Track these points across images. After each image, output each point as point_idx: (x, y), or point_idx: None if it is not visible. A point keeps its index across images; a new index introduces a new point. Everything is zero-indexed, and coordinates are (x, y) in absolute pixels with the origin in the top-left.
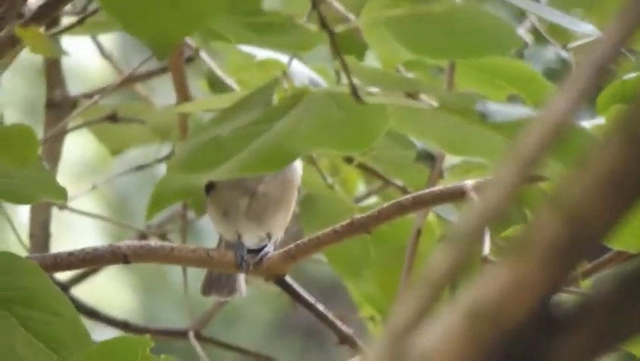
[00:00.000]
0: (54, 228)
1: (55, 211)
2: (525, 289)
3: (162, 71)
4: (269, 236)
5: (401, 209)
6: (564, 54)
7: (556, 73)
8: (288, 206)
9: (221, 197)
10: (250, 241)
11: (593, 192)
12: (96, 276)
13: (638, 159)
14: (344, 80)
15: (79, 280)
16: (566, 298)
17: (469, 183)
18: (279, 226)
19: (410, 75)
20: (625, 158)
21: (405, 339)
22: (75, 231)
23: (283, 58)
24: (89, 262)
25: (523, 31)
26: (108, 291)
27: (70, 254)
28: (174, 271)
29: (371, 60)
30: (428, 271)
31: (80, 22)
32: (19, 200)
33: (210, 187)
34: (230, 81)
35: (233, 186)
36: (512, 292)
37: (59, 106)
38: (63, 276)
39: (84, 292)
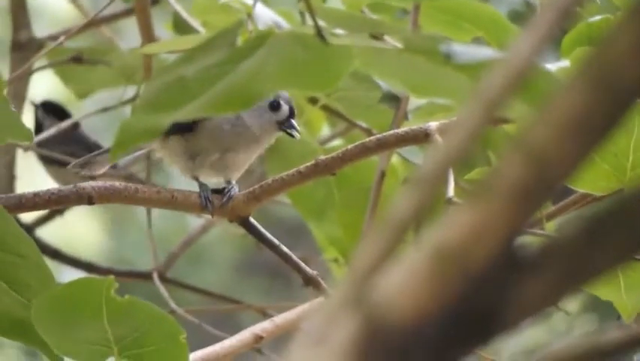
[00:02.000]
0: (19, 170)
1: (20, 153)
2: (489, 231)
3: (128, 13)
4: (228, 182)
5: (365, 151)
6: None
7: (521, 15)
8: (249, 162)
9: (195, 142)
10: (207, 182)
11: (557, 134)
12: (64, 217)
13: (601, 101)
14: (309, 22)
15: (44, 221)
16: (530, 240)
17: (433, 124)
18: (238, 174)
19: (375, 17)
20: (588, 100)
21: (369, 281)
22: (40, 173)
23: (247, 0)
24: (54, 202)
25: None
26: (77, 232)
27: (35, 195)
28: (142, 211)
29: (336, 2)
30: (392, 212)
31: None
32: None
33: (182, 128)
34: (195, 23)
35: (213, 141)
36: (477, 234)
37: (25, 47)
38: (28, 217)
39: (51, 234)
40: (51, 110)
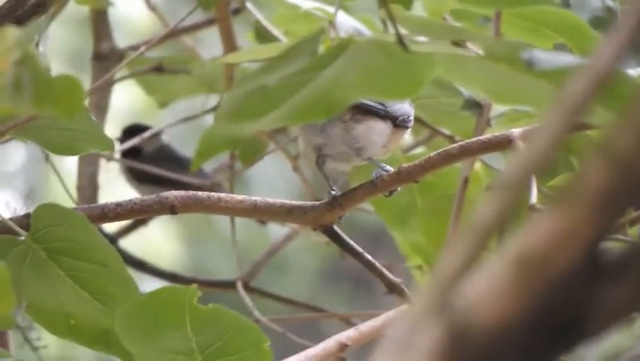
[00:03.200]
0: (102, 180)
1: (103, 163)
2: (572, 238)
3: (209, 22)
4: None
5: (448, 158)
6: (610, 2)
7: (602, 21)
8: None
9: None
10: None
11: None
12: (145, 228)
13: None
14: (391, 29)
15: (127, 231)
16: (613, 246)
17: (515, 131)
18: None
19: (457, 24)
20: None
21: (452, 288)
22: (123, 184)
23: (329, 8)
24: (137, 212)
25: None
26: (157, 243)
27: (118, 205)
28: (223, 222)
29: (418, 10)
30: (475, 219)
31: None
32: (66, 151)
33: None
34: (277, 32)
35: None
36: (560, 241)
37: (106, 58)
38: (111, 228)
39: (133, 243)
40: (135, 133)
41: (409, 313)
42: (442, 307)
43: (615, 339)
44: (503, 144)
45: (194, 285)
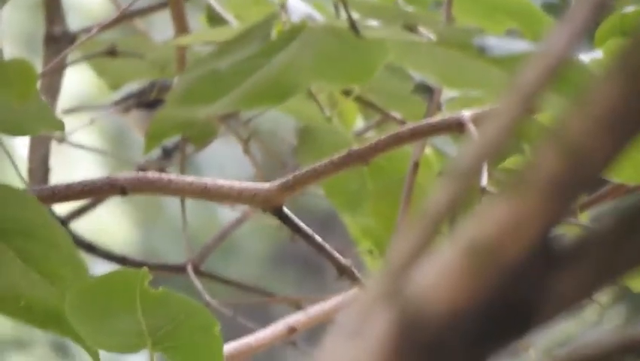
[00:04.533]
0: (53, 162)
1: (54, 146)
2: (524, 225)
3: (161, 5)
4: None
5: (398, 140)
6: None
7: (556, 7)
8: None
9: None
10: None
11: (593, 126)
12: (96, 211)
13: (636, 93)
14: (343, 14)
15: (78, 214)
16: (565, 231)
17: (466, 114)
18: None
19: (409, 9)
20: (624, 92)
21: (403, 274)
22: (74, 166)
23: None
24: (87, 193)
25: None
26: (108, 226)
27: (68, 186)
28: (174, 205)
29: None
30: (427, 205)
31: None
32: (17, 132)
33: None
34: (229, 17)
35: None
36: (512, 228)
37: (58, 40)
38: (62, 211)
39: (84, 226)
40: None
41: (359, 299)
42: (392, 294)
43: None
44: (454, 126)
45: (145, 268)
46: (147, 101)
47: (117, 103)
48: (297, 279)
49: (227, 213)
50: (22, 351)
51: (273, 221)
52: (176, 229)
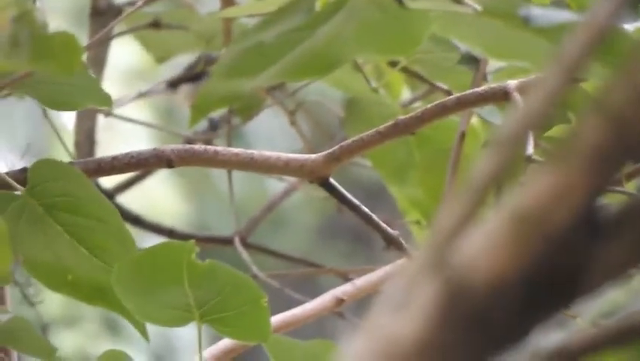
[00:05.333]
0: (100, 136)
1: (101, 119)
2: (569, 194)
3: None
4: None
5: (444, 110)
6: None
7: None
8: None
9: None
10: None
11: (637, 95)
12: (144, 184)
13: None
14: None
15: (125, 187)
16: (610, 200)
17: (511, 83)
18: None
19: None
20: None
21: (449, 244)
22: (121, 139)
23: None
24: (133, 166)
25: None
26: (156, 199)
27: (114, 158)
28: (222, 178)
29: None
30: (473, 175)
31: None
32: (63, 106)
33: None
34: None
35: None
36: (557, 197)
37: (104, 13)
38: (109, 184)
39: (132, 200)
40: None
41: (406, 269)
42: (438, 264)
43: (612, 295)
44: (499, 95)
45: (192, 241)
46: (194, 73)
47: (169, 84)
48: (346, 251)
49: (275, 185)
50: (72, 328)
51: (321, 193)
52: (224, 201)
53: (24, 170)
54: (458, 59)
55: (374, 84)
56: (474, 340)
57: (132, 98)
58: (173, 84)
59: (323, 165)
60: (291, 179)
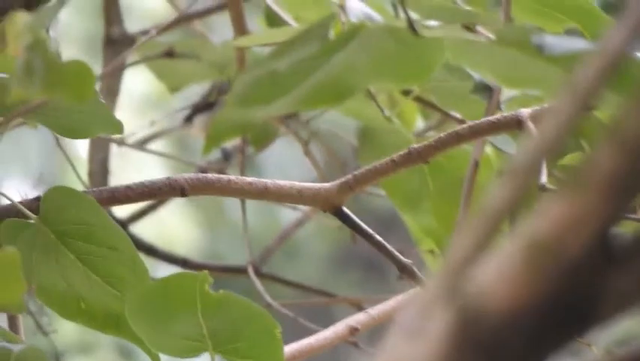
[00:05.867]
0: (114, 166)
1: (114, 149)
2: (583, 222)
3: (220, 7)
4: None
5: (458, 138)
6: None
7: (613, 5)
8: None
9: None
10: None
11: None
12: (158, 213)
13: None
14: (401, 14)
15: (139, 216)
16: (624, 228)
17: (525, 111)
18: None
19: (467, 8)
20: None
21: (463, 272)
22: (135, 168)
23: None
24: (147, 195)
25: None
26: (169, 228)
27: (128, 188)
28: (235, 207)
29: None
30: (487, 203)
31: None
32: (76, 134)
33: None
34: (287, 17)
35: None
36: (571, 225)
37: (117, 42)
38: (123, 213)
39: (145, 229)
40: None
41: (419, 298)
42: (452, 292)
43: (627, 324)
44: (513, 124)
45: (206, 271)
46: (207, 103)
47: (185, 119)
48: (359, 280)
49: (289, 215)
50: (87, 354)
51: (334, 222)
52: (238, 230)
53: (37, 198)
54: (472, 87)
55: (388, 113)
56: None
57: (145, 126)
58: (189, 118)
59: (336, 193)
60: (305, 208)
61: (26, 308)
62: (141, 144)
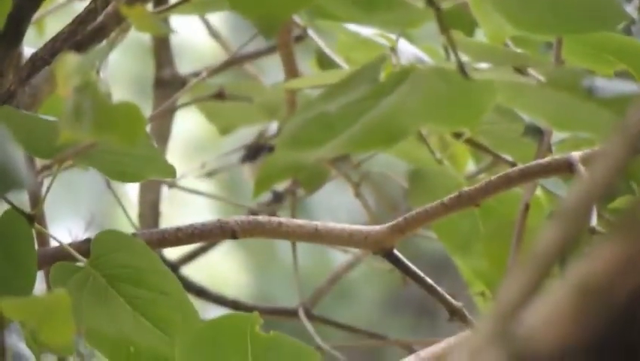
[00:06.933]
0: (164, 208)
1: (165, 191)
2: (635, 265)
3: (271, 50)
4: None
5: (508, 181)
6: None
7: None
8: None
9: None
10: None
11: None
12: (208, 255)
13: None
14: (452, 57)
15: (189, 259)
16: None
17: (575, 154)
18: None
19: (518, 50)
20: None
21: (513, 316)
22: (185, 210)
23: (390, 35)
24: (197, 237)
25: (630, 8)
26: (220, 270)
27: (178, 230)
28: (285, 249)
29: (480, 36)
30: (537, 246)
31: (187, 0)
32: (126, 178)
33: None
34: (338, 59)
35: None
36: (622, 268)
37: (168, 84)
38: (173, 255)
39: (195, 271)
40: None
41: (470, 341)
42: (503, 335)
43: None
44: (563, 167)
45: (256, 312)
46: (258, 145)
47: (245, 158)
48: (410, 323)
49: (339, 257)
50: None
51: (385, 264)
52: (288, 273)
53: (87, 241)
54: (522, 130)
55: (439, 155)
56: None
57: (196, 169)
58: (248, 158)
59: (387, 236)
60: (356, 250)
61: (76, 351)
62: (192, 187)
